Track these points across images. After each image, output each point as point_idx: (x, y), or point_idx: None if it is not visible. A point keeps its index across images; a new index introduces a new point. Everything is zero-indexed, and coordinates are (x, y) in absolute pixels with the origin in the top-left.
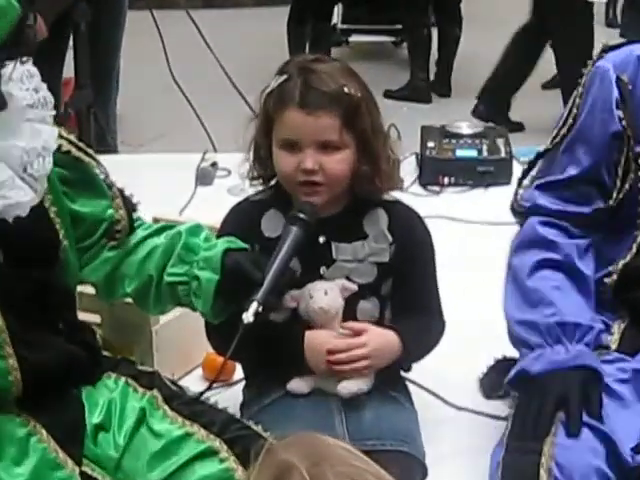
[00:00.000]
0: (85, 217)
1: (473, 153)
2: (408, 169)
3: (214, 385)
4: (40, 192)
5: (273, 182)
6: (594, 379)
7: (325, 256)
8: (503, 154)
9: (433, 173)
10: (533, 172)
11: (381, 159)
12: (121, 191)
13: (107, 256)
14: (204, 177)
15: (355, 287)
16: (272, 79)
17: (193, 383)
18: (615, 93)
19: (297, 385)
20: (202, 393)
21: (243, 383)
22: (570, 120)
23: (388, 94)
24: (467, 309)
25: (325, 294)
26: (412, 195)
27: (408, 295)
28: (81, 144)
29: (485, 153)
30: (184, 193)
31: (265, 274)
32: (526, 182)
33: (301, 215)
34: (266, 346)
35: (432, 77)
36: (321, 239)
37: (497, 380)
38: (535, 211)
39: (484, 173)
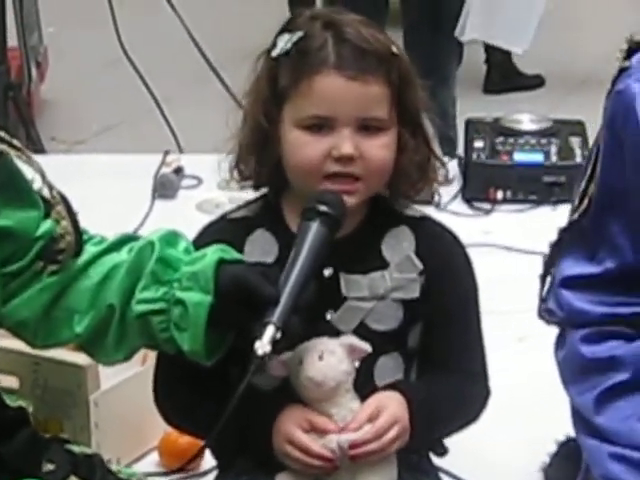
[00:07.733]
0: (11, 233)
1: (538, 157)
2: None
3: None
4: None
5: (258, 193)
6: None
7: (332, 295)
8: (579, 159)
9: (481, 185)
10: (564, 264)
11: (432, 144)
12: (63, 196)
13: (45, 283)
14: (165, 187)
15: (367, 347)
16: (269, 41)
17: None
18: None
19: None
20: None
21: (215, 473)
22: (594, 172)
23: None
24: (522, 370)
25: (320, 359)
26: (451, 214)
27: (439, 349)
28: (1, 132)
29: (554, 157)
30: (137, 209)
31: (281, 288)
32: (552, 278)
33: (322, 207)
34: (237, 421)
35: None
36: (326, 272)
37: (567, 471)
38: (572, 320)
39: (552, 185)
